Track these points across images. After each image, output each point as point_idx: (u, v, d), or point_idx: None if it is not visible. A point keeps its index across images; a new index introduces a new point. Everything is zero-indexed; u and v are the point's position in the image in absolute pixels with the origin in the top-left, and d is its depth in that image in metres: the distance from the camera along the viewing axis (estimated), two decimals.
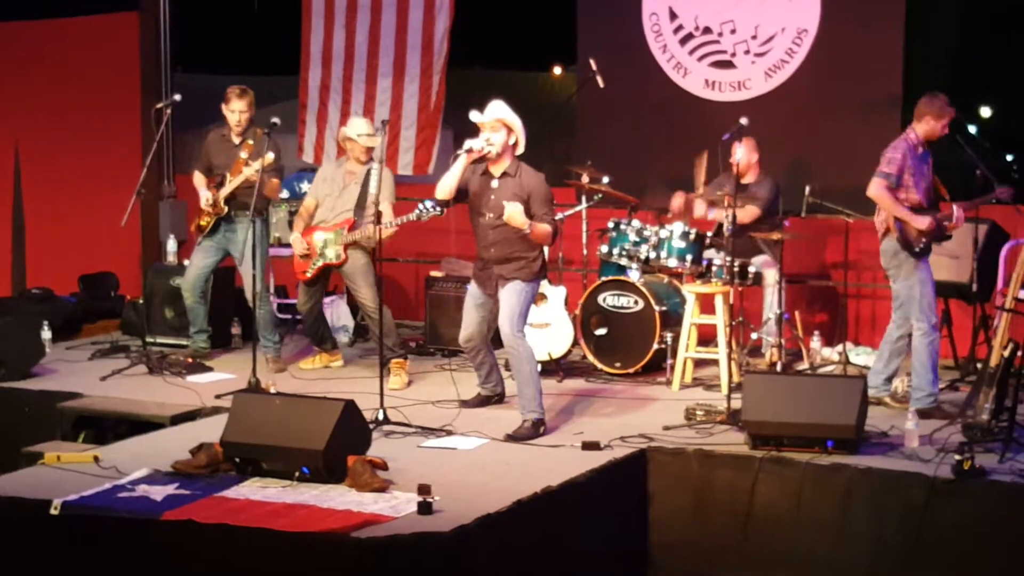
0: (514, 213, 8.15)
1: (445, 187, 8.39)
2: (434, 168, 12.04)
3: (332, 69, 12.50)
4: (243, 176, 9.79)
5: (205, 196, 10.08)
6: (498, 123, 8.29)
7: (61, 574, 6.73)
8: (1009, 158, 11.23)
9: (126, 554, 6.60)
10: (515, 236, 8.32)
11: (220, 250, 10.25)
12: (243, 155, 9.97)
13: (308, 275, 9.81)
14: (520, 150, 8.39)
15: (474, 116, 8.35)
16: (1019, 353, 7.87)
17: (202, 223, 10.18)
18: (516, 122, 8.34)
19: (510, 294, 8.36)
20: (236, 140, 10.07)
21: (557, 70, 17.43)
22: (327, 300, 11.21)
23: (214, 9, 13.90)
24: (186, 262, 10.87)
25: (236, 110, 9.94)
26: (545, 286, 9.64)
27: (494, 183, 8.38)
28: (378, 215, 8.87)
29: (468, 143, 8.31)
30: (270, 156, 9.49)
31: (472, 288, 8.66)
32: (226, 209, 10.03)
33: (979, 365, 8.61)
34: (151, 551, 6.56)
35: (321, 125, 12.53)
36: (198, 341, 10.48)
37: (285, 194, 12.12)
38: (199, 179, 10.23)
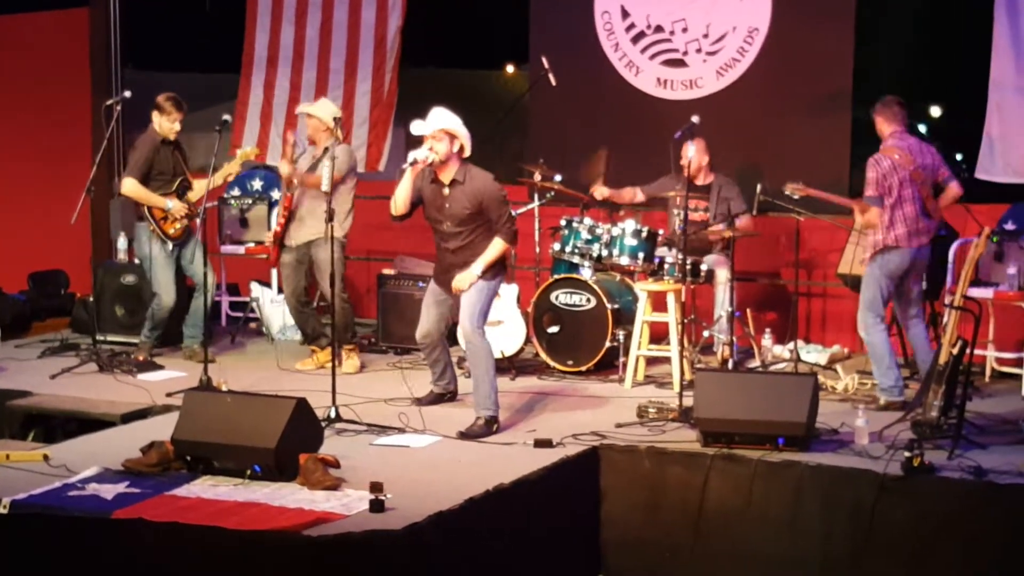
0: (461, 282, 8.28)
1: (398, 202, 8.38)
2: (385, 165, 12.02)
3: (279, 66, 12.45)
4: (224, 172, 9.93)
5: (176, 205, 9.99)
6: (441, 132, 8.22)
7: (9, 573, 6.67)
8: (959, 157, 11.30)
9: (76, 553, 6.54)
10: (474, 241, 8.32)
11: (175, 255, 10.23)
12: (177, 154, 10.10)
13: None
14: (467, 153, 8.34)
15: (416, 128, 8.27)
16: (968, 350, 7.93)
17: (171, 231, 10.10)
18: (459, 128, 8.26)
19: (472, 291, 8.33)
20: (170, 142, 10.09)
21: (510, 68, 17.42)
22: (277, 297, 11.18)
23: (165, 5, 13.82)
24: (136, 260, 10.79)
25: (178, 120, 10.02)
26: None
27: (445, 191, 8.34)
28: (330, 213, 8.80)
29: (412, 155, 8.23)
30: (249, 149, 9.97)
31: (432, 286, 8.64)
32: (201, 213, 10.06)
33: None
34: (101, 550, 6.51)
35: (265, 122, 12.46)
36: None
37: (236, 191, 12.08)
38: (139, 187, 9.98)
